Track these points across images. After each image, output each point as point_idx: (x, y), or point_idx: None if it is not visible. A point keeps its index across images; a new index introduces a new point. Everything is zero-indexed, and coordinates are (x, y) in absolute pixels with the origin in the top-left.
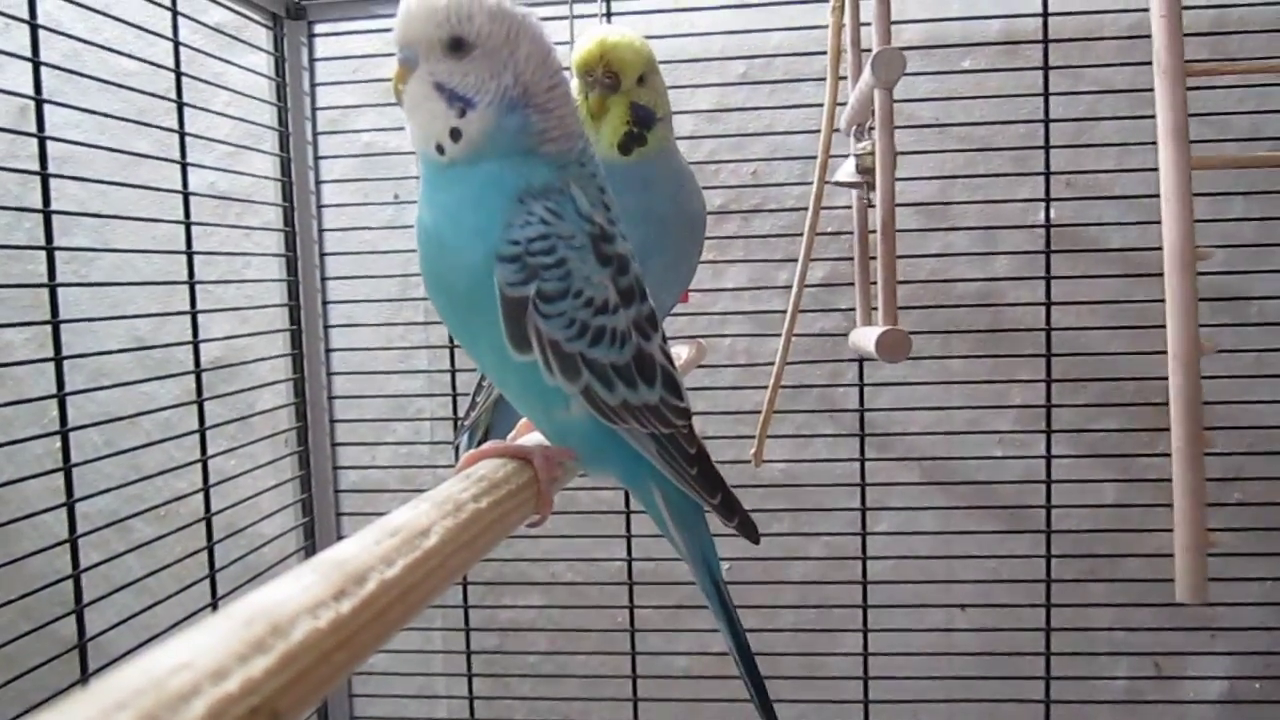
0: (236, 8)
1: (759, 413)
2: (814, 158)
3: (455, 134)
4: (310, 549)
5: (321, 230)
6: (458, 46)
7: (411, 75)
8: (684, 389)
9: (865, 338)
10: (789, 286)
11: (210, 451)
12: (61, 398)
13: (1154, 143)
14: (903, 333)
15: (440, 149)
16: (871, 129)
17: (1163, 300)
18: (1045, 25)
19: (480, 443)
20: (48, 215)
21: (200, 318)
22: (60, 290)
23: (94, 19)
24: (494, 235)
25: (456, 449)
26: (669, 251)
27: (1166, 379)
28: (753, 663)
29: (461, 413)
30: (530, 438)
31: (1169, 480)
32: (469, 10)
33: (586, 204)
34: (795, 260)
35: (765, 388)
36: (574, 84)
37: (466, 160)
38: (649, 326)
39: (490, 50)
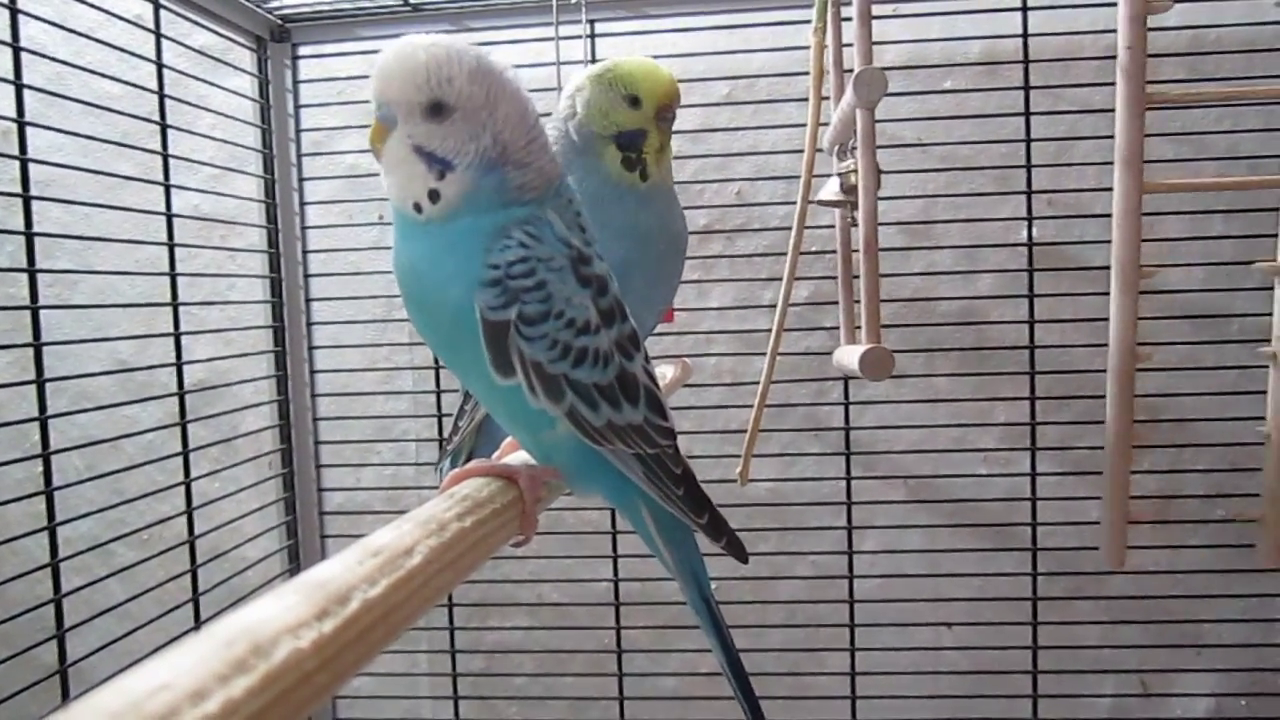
0: (221, 30)
1: (744, 431)
2: (797, 177)
3: (434, 195)
4: (295, 572)
5: (306, 252)
6: (438, 110)
7: (390, 134)
8: (668, 409)
9: (849, 356)
10: (774, 305)
11: (193, 474)
12: (43, 421)
13: None
14: (886, 351)
15: (418, 208)
16: (854, 148)
17: (1145, 318)
18: (1025, 46)
19: (464, 464)
20: (30, 238)
21: (184, 340)
22: (42, 313)
23: (77, 42)
24: (475, 267)
25: (440, 471)
26: (653, 268)
27: (1149, 396)
28: (746, 680)
29: (445, 435)
30: (515, 457)
31: (1154, 496)
32: (449, 73)
33: (563, 227)
34: (780, 279)
35: (751, 406)
36: (616, 104)
37: (444, 219)
38: (631, 346)
39: (470, 112)
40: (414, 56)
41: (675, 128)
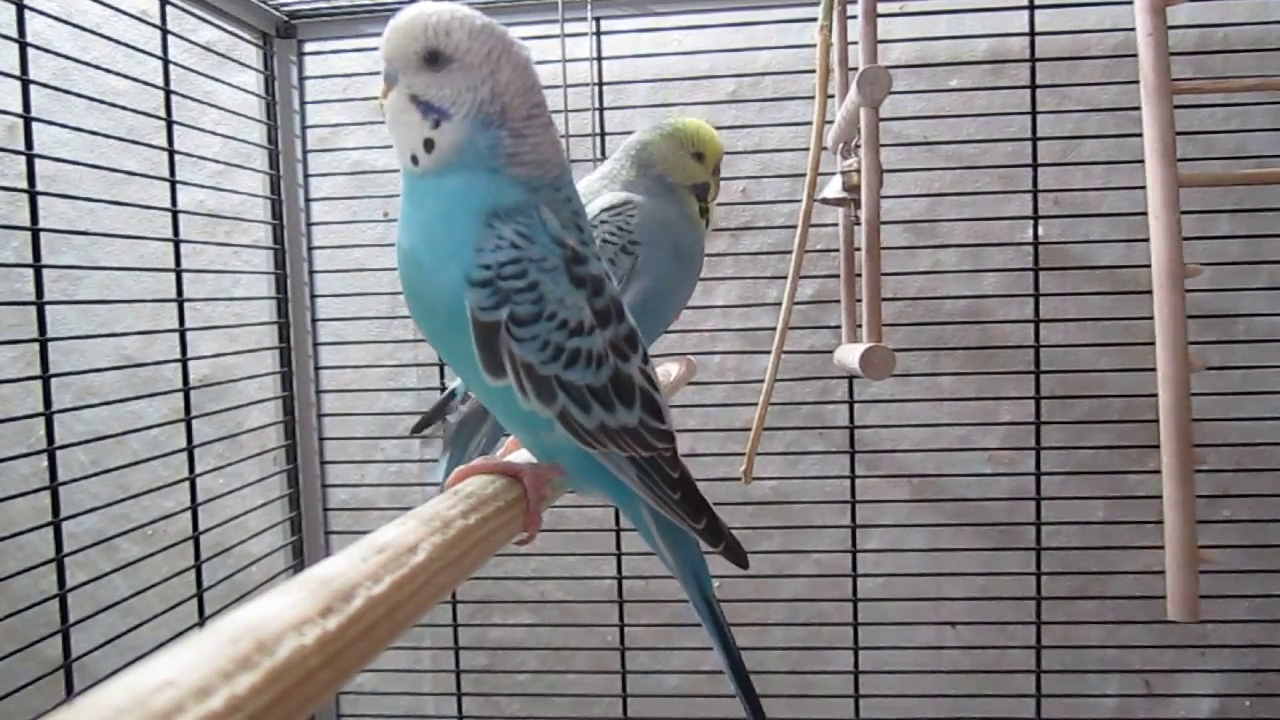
0: (227, 26)
1: (749, 430)
2: (803, 175)
3: (429, 144)
4: (299, 568)
5: (311, 248)
6: (434, 59)
7: (392, 90)
8: (666, 411)
9: (850, 355)
10: (778, 304)
11: (198, 470)
12: (49, 416)
13: (1140, 161)
14: (887, 350)
15: (415, 159)
16: (858, 147)
17: (1151, 317)
18: (1032, 44)
19: (476, 456)
20: (36, 233)
21: (189, 336)
22: (48, 308)
23: (84, 37)
24: (466, 256)
25: (443, 459)
26: (686, 291)
27: (1155, 396)
28: (747, 679)
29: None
30: (520, 455)
31: (1159, 497)
32: (447, 26)
33: (558, 226)
34: (785, 277)
35: (755, 405)
36: (686, 161)
37: (437, 172)
38: (627, 347)
39: (468, 65)
40: (419, 13)
41: None
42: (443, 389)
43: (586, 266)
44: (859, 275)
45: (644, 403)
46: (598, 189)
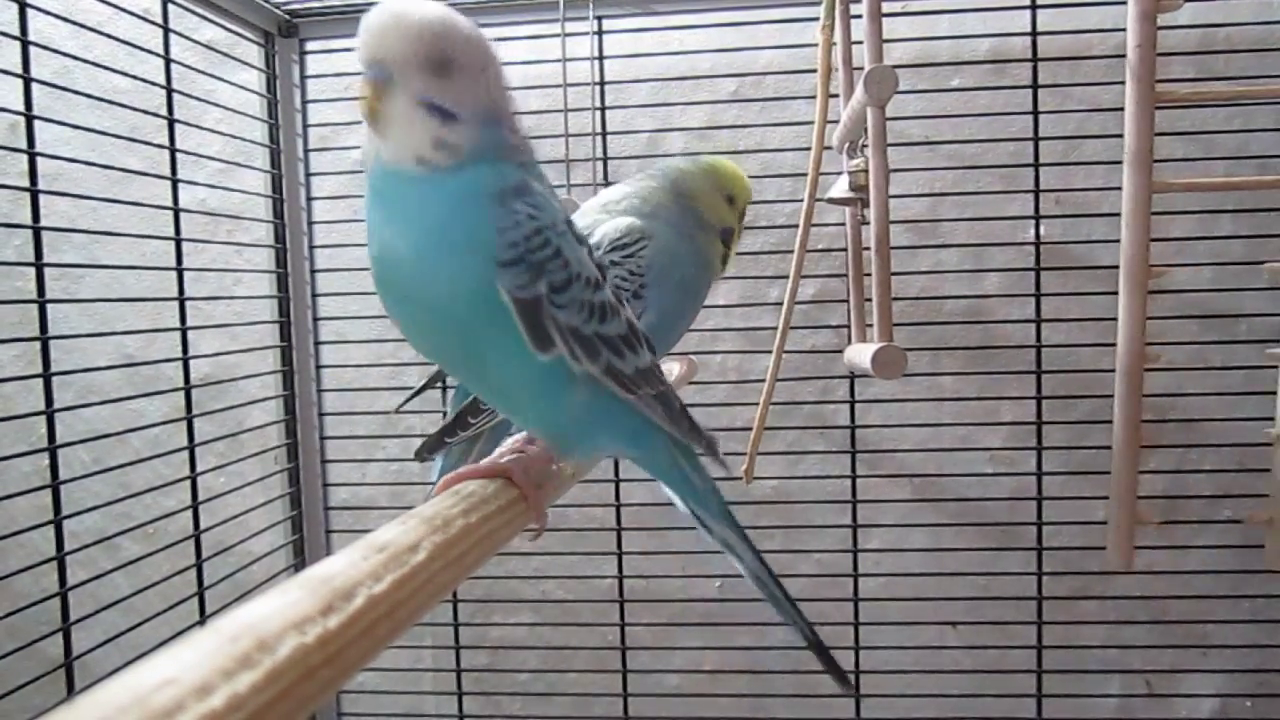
0: (228, 25)
1: (750, 429)
2: (804, 175)
3: (440, 144)
4: (300, 566)
5: (312, 247)
6: (441, 64)
7: (387, 93)
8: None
9: (861, 354)
10: (780, 303)
11: (199, 469)
12: (50, 414)
13: None
14: (898, 349)
15: (420, 160)
16: (864, 146)
17: (1154, 317)
18: (1034, 44)
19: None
20: (37, 231)
21: (190, 334)
22: (49, 307)
23: (86, 36)
24: (486, 241)
25: (441, 455)
26: (689, 321)
27: (1156, 396)
28: (777, 582)
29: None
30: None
31: (1160, 497)
32: (448, 31)
33: (550, 194)
34: (786, 277)
35: (756, 404)
36: (719, 203)
37: (448, 170)
38: (618, 299)
39: (469, 69)
40: (412, 14)
41: (682, 124)
42: (444, 388)
43: (575, 226)
44: (867, 275)
45: (647, 344)
46: (624, 207)
